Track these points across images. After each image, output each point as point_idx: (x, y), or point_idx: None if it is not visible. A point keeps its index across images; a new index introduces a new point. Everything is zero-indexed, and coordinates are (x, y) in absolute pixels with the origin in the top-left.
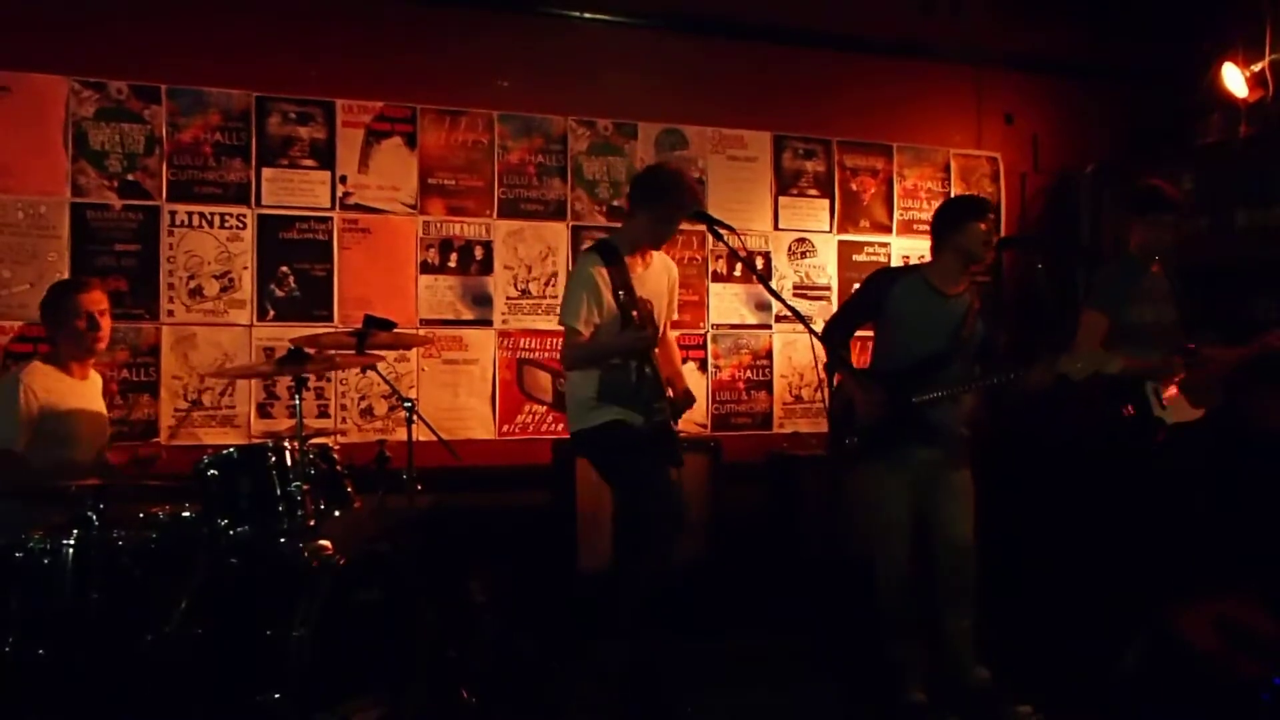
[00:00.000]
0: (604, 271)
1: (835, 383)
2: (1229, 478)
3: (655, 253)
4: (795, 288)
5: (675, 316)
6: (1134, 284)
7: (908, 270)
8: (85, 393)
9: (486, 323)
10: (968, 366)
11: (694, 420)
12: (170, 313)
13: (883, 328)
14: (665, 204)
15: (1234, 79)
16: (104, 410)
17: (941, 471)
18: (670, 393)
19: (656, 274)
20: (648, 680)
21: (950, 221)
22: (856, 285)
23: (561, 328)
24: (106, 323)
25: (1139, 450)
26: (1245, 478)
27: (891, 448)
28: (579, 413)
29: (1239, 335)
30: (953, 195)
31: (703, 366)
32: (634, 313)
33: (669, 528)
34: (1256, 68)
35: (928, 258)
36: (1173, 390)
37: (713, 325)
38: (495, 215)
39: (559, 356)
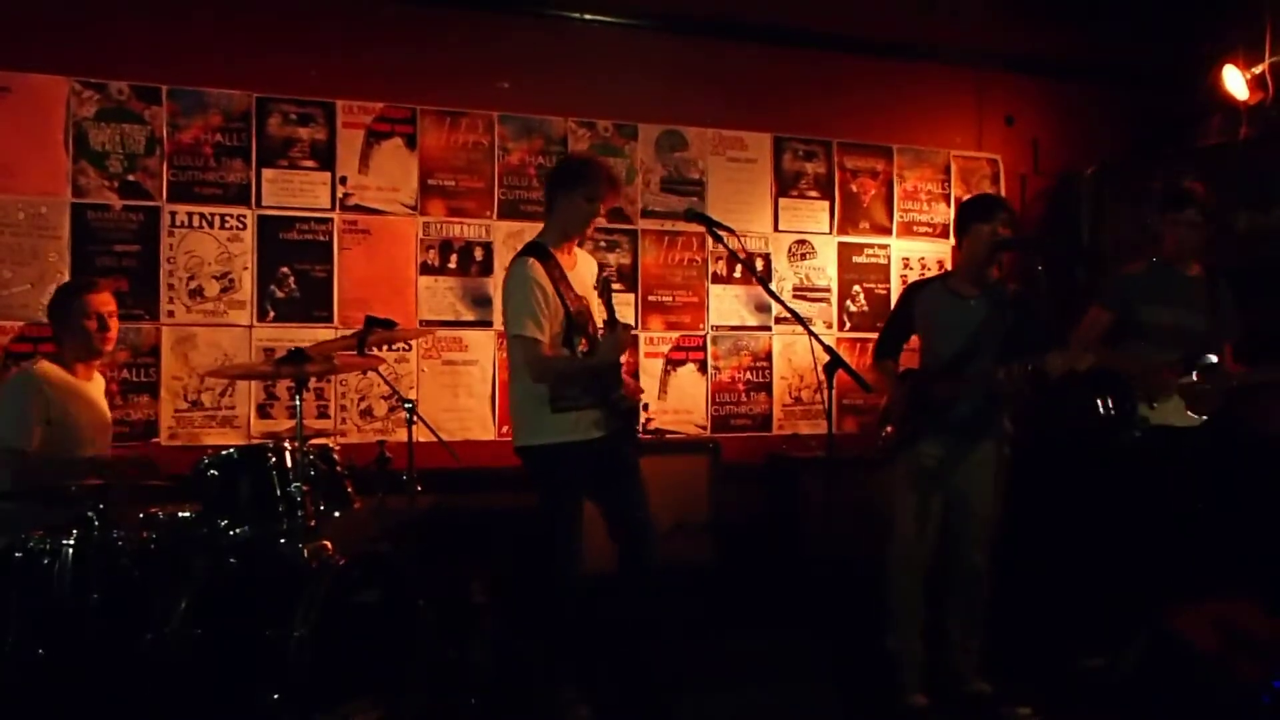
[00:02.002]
0: (540, 269)
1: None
2: (1228, 480)
3: (578, 250)
4: (795, 289)
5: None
6: (1155, 286)
7: (933, 278)
8: (90, 394)
9: (486, 324)
10: (993, 362)
11: (694, 421)
12: (170, 313)
13: (920, 335)
14: (589, 183)
15: (1235, 81)
16: (108, 411)
17: (964, 479)
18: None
19: (583, 272)
20: (645, 680)
21: (960, 224)
22: (856, 288)
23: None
24: (115, 324)
25: (1111, 445)
26: (1245, 481)
27: (916, 443)
28: (528, 424)
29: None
30: (970, 196)
31: (702, 368)
32: (581, 311)
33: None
34: (1257, 70)
35: (928, 260)
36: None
37: (712, 327)
38: (495, 216)
39: (529, 370)
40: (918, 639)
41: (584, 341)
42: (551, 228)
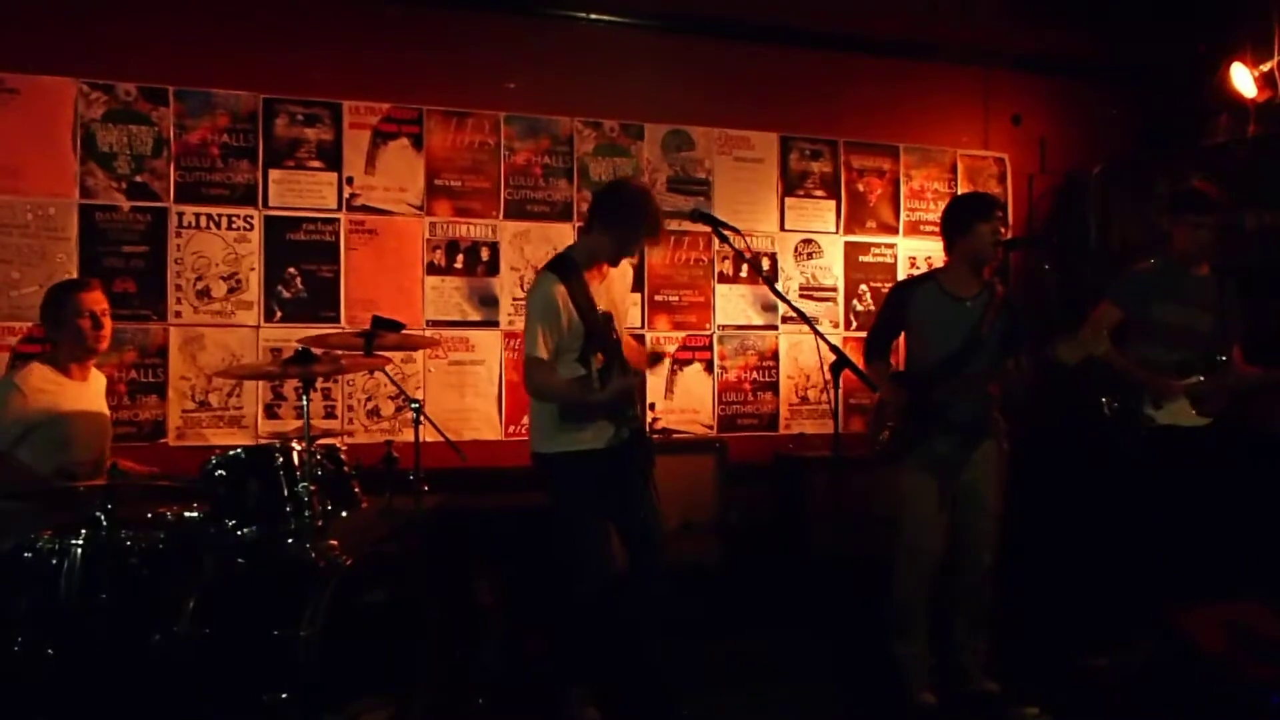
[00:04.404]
0: (563, 290)
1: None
2: (1237, 480)
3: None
4: (801, 289)
5: (626, 321)
6: (1167, 284)
7: (925, 278)
8: (84, 394)
9: (493, 324)
10: (988, 364)
11: (700, 421)
12: (178, 314)
13: (909, 335)
14: (625, 227)
15: (1243, 79)
16: (105, 411)
17: (970, 478)
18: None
19: (612, 281)
20: (649, 681)
21: (957, 226)
22: (863, 287)
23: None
24: (108, 322)
25: (1119, 445)
26: (1253, 481)
27: (916, 445)
28: (541, 432)
29: (1246, 339)
30: (956, 195)
31: (709, 367)
32: (600, 328)
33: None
34: (1265, 67)
35: (934, 258)
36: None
37: (719, 326)
38: (501, 216)
39: (528, 386)
40: (924, 644)
41: (600, 356)
42: (583, 246)
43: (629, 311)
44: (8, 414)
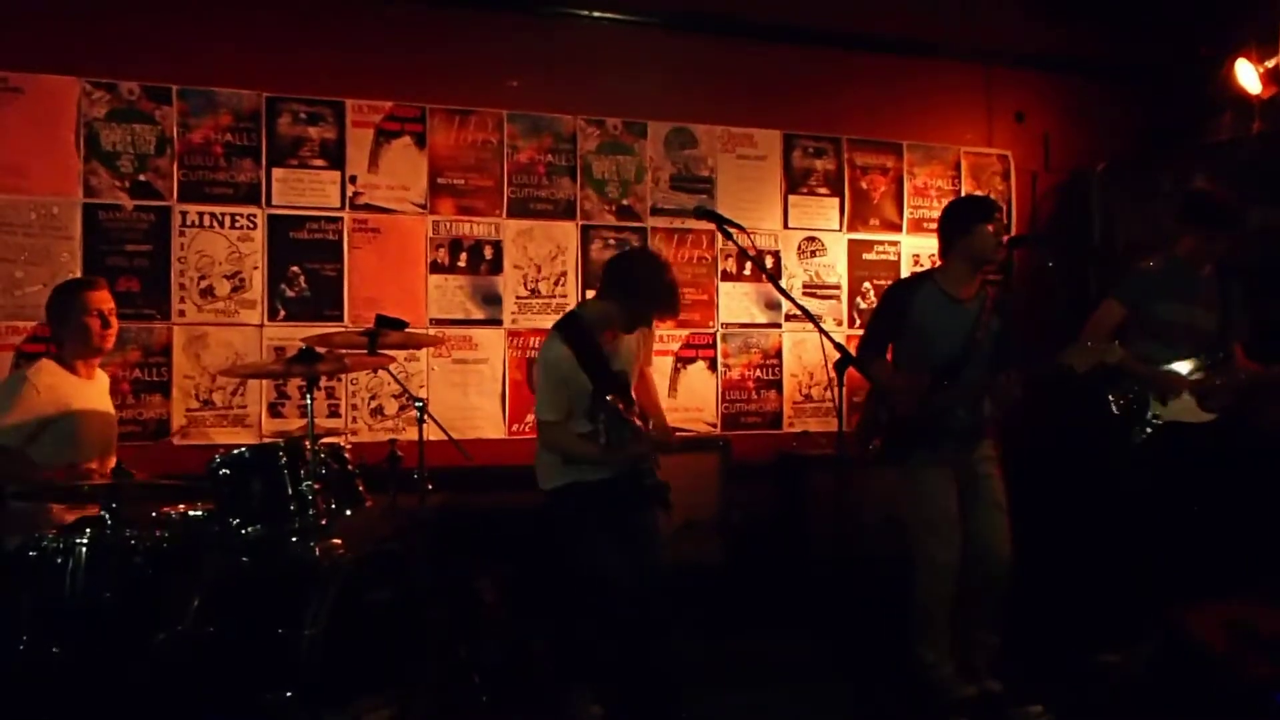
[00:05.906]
0: (568, 353)
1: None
2: (1240, 478)
3: None
4: (805, 286)
5: (650, 364)
6: (1172, 283)
7: (923, 278)
8: (91, 392)
9: (496, 322)
10: (984, 368)
11: (704, 419)
12: (181, 313)
13: (903, 336)
14: (637, 302)
15: (1247, 75)
16: (111, 410)
17: (973, 476)
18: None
19: (627, 340)
20: (651, 681)
21: (958, 226)
22: (866, 284)
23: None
24: (115, 321)
25: (1122, 442)
26: (1257, 478)
27: (915, 448)
28: (548, 471)
29: (1251, 338)
30: (958, 197)
31: (712, 366)
32: (610, 389)
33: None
34: (1270, 64)
35: (937, 257)
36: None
37: (722, 324)
38: (505, 215)
39: (539, 443)
40: (949, 645)
41: (605, 418)
42: (596, 309)
43: (651, 354)
44: (22, 409)
